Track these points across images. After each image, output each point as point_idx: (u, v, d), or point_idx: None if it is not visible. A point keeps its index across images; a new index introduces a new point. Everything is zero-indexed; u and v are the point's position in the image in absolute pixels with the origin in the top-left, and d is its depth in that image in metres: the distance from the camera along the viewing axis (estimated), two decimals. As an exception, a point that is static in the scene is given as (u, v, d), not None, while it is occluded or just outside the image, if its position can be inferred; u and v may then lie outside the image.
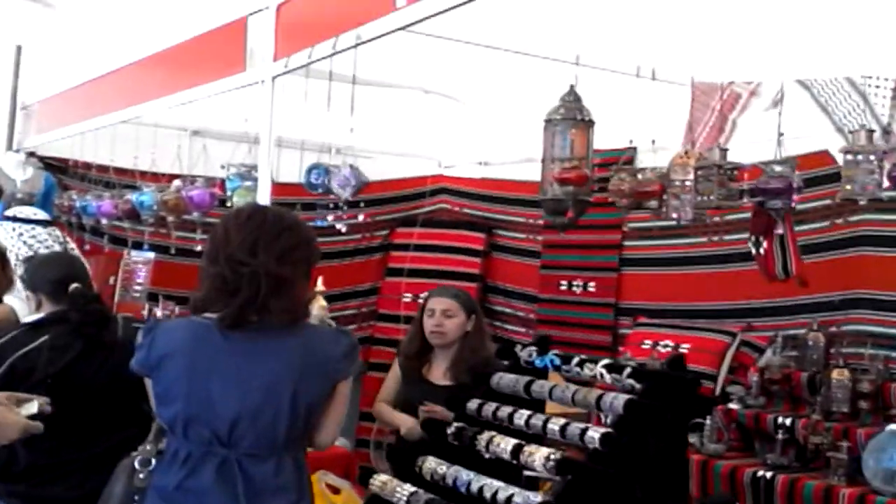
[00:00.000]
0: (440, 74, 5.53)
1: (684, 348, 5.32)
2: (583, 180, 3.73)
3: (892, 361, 4.58)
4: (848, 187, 2.91)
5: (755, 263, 4.98)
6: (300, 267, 2.47)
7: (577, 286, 6.32)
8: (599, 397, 3.21)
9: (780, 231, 3.41)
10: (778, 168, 3.21)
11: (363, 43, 3.22)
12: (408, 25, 3.11)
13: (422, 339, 4.15)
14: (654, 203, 3.65)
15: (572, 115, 4.07)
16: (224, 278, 2.41)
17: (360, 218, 4.73)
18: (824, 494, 4.04)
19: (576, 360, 3.44)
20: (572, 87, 4.16)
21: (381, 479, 3.51)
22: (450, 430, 3.54)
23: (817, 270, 4.81)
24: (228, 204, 4.77)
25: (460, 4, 2.91)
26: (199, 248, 5.20)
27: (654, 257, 5.90)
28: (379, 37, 3.23)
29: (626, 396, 3.14)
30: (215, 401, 2.38)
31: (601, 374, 3.31)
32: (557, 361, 3.52)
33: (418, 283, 6.76)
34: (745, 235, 4.79)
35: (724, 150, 3.34)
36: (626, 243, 6.05)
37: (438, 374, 4.18)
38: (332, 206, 4.77)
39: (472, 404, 3.62)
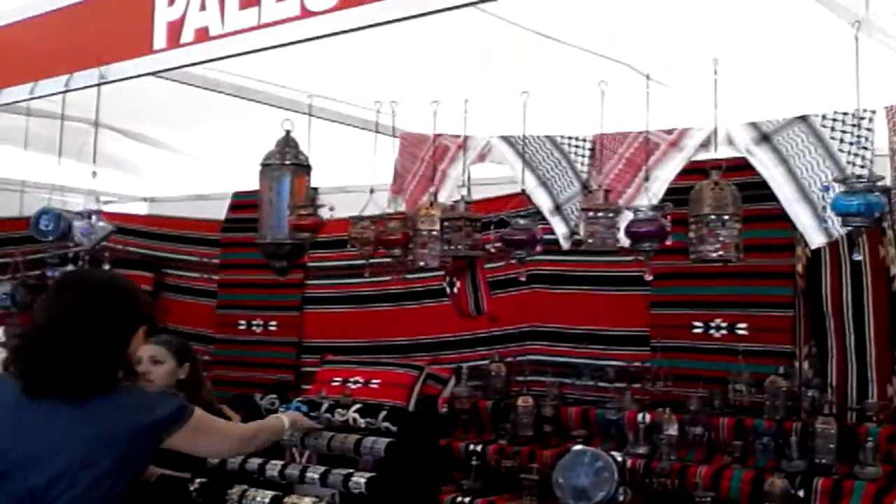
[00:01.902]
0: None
1: (374, 384, 5.55)
2: (318, 226, 3.82)
3: (566, 387, 5.18)
4: (590, 241, 3.32)
5: (441, 300, 5.42)
6: (104, 332, 2.42)
7: (258, 325, 6.33)
8: (358, 441, 3.31)
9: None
10: (522, 221, 3.55)
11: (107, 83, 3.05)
12: (162, 71, 3.01)
13: None
14: (398, 251, 3.84)
15: (291, 160, 4.15)
16: (18, 347, 2.42)
17: (107, 267, 4.38)
18: (519, 514, 4.47)
19: (325, 405, 3.50)
20: (288, 132, 4.24)
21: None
22: (193, 487, 3.42)
23: (498, 306, 5.33)
24: None
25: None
26: None
27: (337, 295, 6.09)
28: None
29: (387, 440, 3.28)
30: (29, 464, 2.31)
31: (354, 419, 3.41)
32: (305, 408, 3.56)
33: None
34: (427, 275, 5.21)
35: (468, 203, 3.63)
36: (309, 282, 6.16)
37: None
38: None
39: (214, 459, 3.54)
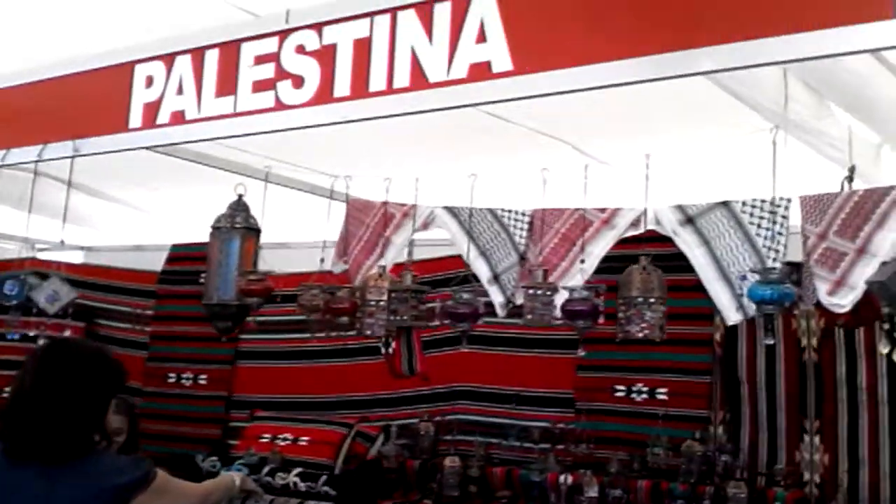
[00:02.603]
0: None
1: (303, 441, 5.62)
2: (268, 292, 3.94)
3: (492, 447, 5.34)
4: (529, 317, 3.52)
5: (372, 358, 5.57)
6: (86, 401, 2.55)
7: (187, 378, 6.34)
8: (300, 505, 3.41)
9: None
10: (465, 295, 3.74)
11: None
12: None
13: None
14: (345, 319, 3.97)
15: (242, 224, 4.26)
16: (3, 411, 2.53)
17: (67, 333, 4.40)
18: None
19: (266, 468, 3.59)
20: (241, 196, 4.36)
21: None
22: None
23: (428, 365, 5.49)
24: None
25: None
26: None
27: (270, 350, 6.16)
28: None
29: (325, 504, 3.38)
30: None
31: (294, 483, 3.50)
32: (246, 471, 3.63)
33: (10, 375, 6.23)
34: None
35: (415, 276, 3.81)
36: (242, 336, 6.20)
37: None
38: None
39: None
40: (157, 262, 6.47)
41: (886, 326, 3.09)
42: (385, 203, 4.50)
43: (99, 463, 2.56)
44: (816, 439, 4.62)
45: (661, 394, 5.12)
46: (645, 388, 5.17)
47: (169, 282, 6.48)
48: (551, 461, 4.98)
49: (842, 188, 3.82)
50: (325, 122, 2.65)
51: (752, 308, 3.59)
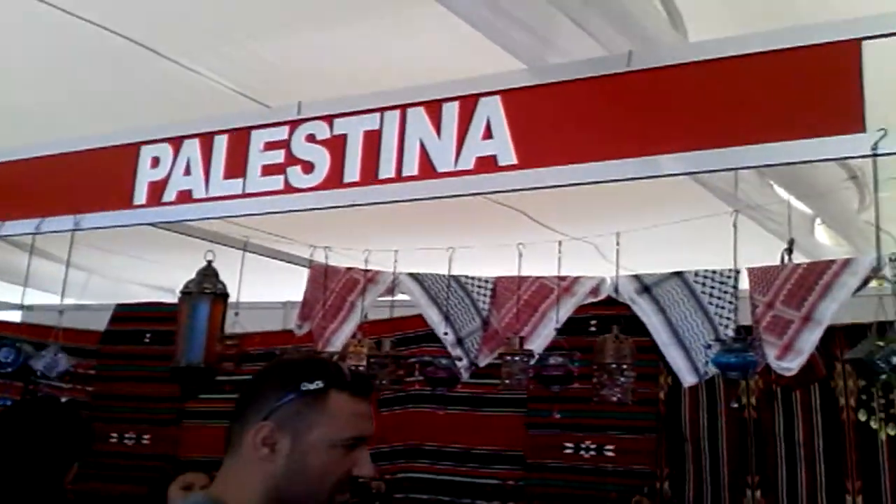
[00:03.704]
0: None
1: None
2: (243, 354, 4.13)
3: (449, 506, 5.59)
4: (507, 381, 3.81)
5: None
6: (47, 463, 2.70)
7: (130, 439, 6.40)
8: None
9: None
10: (444, 361, 4.02)
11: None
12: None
13: None
14: (324, 383, 4.17)
15: (210, 289, 4.43)
16: None
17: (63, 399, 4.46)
18: None
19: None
20: (210, 262, 4.53)
21: None
22: None
23: (379, 425, 5.68)
24: None
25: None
26: None
27: (218, 411, 6.25)
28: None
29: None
30: None
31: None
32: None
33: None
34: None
35: (392, 342, 4.07)
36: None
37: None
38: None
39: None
40: (97, 322, 6.53)
41: (864, 397, 3.46)
42: (349, 269, 4.75)
43: None
44: (758, 493, 5.01)
45: (609, 451, 5.46)
46: (593, 446, 5.50)
47: (112, 341, 6.55)
48: (505, 518, 5.26)
49: (782, 259, 4.23)
50: (334, 206, 2.89)
51: (705, 371, 3.97)
